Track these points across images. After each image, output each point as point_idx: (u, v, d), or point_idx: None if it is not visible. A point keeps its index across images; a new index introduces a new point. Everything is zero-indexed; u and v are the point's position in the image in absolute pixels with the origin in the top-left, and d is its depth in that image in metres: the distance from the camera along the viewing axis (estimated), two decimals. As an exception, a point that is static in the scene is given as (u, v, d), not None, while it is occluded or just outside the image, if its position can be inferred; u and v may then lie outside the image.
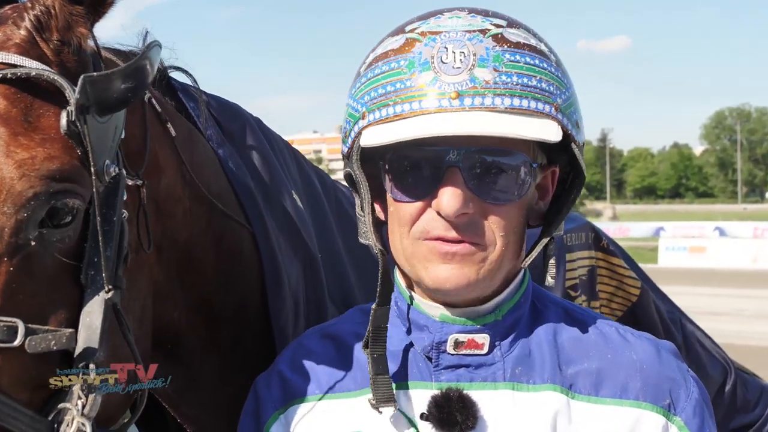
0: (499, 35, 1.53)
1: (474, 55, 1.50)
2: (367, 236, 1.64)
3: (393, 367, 1.60)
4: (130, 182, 1.57)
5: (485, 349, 1.58)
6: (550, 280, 1.66)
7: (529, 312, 1.65)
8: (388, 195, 1.61)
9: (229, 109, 2.21)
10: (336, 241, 2.37)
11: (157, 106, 1.85)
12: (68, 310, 1.42)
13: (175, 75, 2.02)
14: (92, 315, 1.41)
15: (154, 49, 1.53)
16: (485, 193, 1.52)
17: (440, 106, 1.48)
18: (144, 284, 1.65)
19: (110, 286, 1.42)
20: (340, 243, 2.37)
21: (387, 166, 1.58)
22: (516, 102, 1.49)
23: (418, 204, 1.54)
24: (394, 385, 1.57)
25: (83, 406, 1.39)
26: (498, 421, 1.54)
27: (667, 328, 3.01)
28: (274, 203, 2.13)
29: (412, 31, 1.57)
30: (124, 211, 1.51)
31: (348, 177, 1.66)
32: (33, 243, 1.37)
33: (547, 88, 1.53)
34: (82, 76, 1.37)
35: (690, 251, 32.87)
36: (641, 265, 3.23)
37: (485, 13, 1.58)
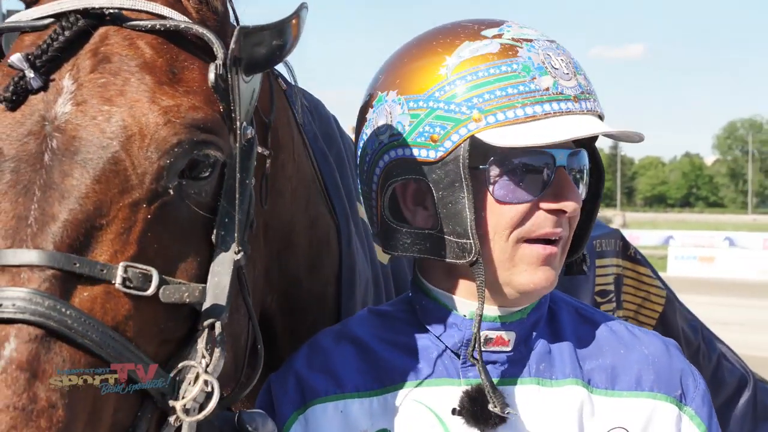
0: (562, 46, 1.64)
1: (570, 63, 1.60)
2: (423, 248, 1.60)
3: (418, 364, 1.61)
4: (259, 149, 1.56)
5: (511, 346, 1.61)
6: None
7: (546, 312, 1.68)
8: (489, 198, 1.56)
9: (315, 104, 2.22)
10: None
11: (282, 85, 1.86)
12: (198, 267, 1.39)
13: None
14: (220, 274, 1.39)
15: (303, 11, 1.50)
16: (580, 192, 1.62)
17: (568, 109, 1.55)
18: (258, 259, 1.64)
19: (240, 248, 1.40)
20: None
21: (493, 169, 1.56)
22: (598, 106, 1.62)
23: (526, 205, 1.56)
24: (420, 382, 1.60)
25: (207, 365, 1.36)
26: (527, 415, 1.57)
27: (687, 337, 2.99)
28: (353, 206, 2.13)
29: (498, 36, 1.59)
30: (253, 178, 1.51)
31: (403, 186, 1.62)
32: (171, 192, 1.35)
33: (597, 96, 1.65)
34: (238, 27, 1.37)
35: (699, 261, 32.79)
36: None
37: (530, 26, 1.66)
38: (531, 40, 1.58)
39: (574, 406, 1.59)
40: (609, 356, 1.65)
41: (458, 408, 1.55)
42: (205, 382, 1.34)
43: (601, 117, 1.62)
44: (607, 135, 1.59)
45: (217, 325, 1.37)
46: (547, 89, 1.54)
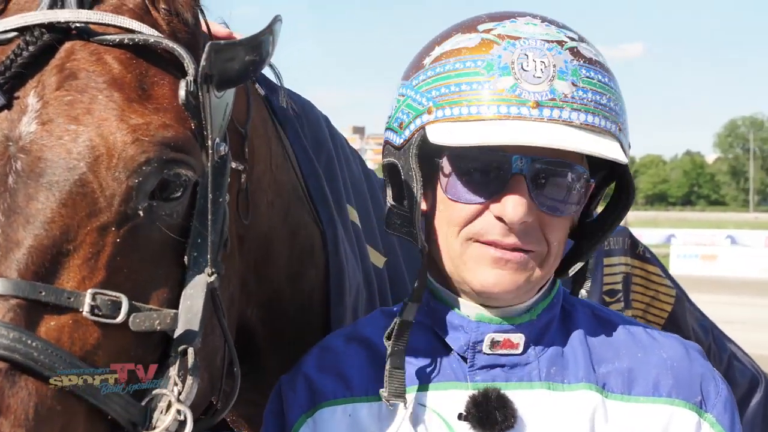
0: (575, 49, 1.54)
1: (554, 66, 1.50)
2: (400, 229, 1.63)
3: (425, 367, 1.60)
4: (233, 165, 1.53)
5: (520, 349, 1.58)
6: (583, 293, 1.69)
7: (559, 313, 1.65)
8: (441, 193, 1.57)
9: (303, 106, 2.19)
10: (396, 249, 2.35)
11: (260, 91, 1.84)
12: (169, 290, 1.37)
13: None
14: (193, 298, 1.37)
15: (277, 24, 1.47)
16: (545, 203, 1.53)
17: (519, 114, 1.47)
18: (233, 274, 1.61)
19: (213, 270, 1.37)
20: (398, 249, 2.35)
21: (445, 164, 1.55)
22: (590, 119, 1.50)
23: (476, 206, 1.53)
24: (428, 386, 1.57)
25: (179, 393, 1.33)
26: (536, 420, 1.54)
27: (698, 336, 2.97)
28: (342, 211, 2.11)
29: (487, 31, 1.54)
30: (227, 194, 1.48)
31: (389, 167, 1.64)
32: (141, 214, 1.32)
33: (614, 108, 1.54)
34: (209, 44, 1.34)
35: (701, 259, 32.73)
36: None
37: (557, 24, 1.58)
38: (518, 38, 1.51)
39: (587, 412, 1.55)
40: (626, 359, 1.60)
41: (464, 413, 1.53)
42: (178, 411, 1.31)
43: (588, 127, 1.49)
44: (568, 148, 1.48)
45: (190, 351, 1.34)
46: (502, 91, 1.48)
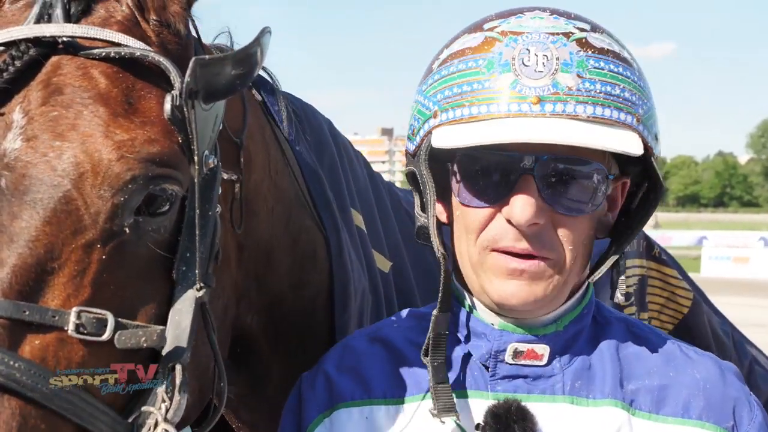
0: (584, 40, 1.47)
1: (557, 59, 1.44)
2: (428, 238, 1.59)
3: (447, 374, 1.54)
4: (225, 176, 1.52)
5: (544, 361, 1.53)
6: (619, 297, 1.61)
7: (591, 325, 1.59)
8: (455, 198, 1.55)
9: (305, 109, 2.17)
10: (402, 253, 2.33)
11: (257, 97, 1.82)
12: (157, 306, 1.35)
13: None
14: (182, 313, 1.35)
15: (265, 36, 1.46)
16: (558, 203, 1.46)
17: (519, 111, 1.42)
18: (228, 284, 1.60)
19: (201, 284, 1.36)
20: (405, 253, 2.33)
21: (456, 168, 1.52)
22: (599, 111, 1.43)
23: (488, 210, 1.49)
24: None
25: (167, 410, 1.32)
26: None
27: (718, 340, 2.92)
28: (347, 216, 2.09)
29: (491, 29, 1.50)
30: (218, 205, 1.46)
31: (411, 176, 1.62)
32: (127, 231, 1.30)
33: (629, 98, 1.47)
34: (193, 59, 1.31)
35: (734, 261, 32.39)
36: (684, 275, 3.15)
37: (568, 16, 1.52)
38: (520, 33, 1.47)
39: (610, 429, 1.49)
40: (657, 378, 1.54)
41: (482, 424, 1.49)
42: (165, 430, 1.30)
43: (597, 120, 1.44)
44: (563, 143, 1.41)
45: (178, 368, 1.33)
46: (502, 89, 1.44)
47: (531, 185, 1.44)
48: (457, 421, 1.51)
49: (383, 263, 2.22)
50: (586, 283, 1.60)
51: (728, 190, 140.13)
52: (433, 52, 1.63)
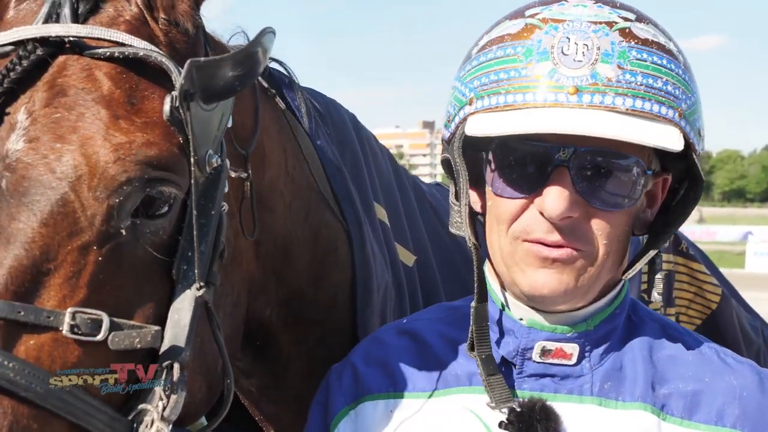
0: (627, 30, 1.43)
1: (598, 49, 1.40)
2: (460, 227, 1.58)
3: (474, 370, 1.54)
4: (233, 174, 1.52)
5: (573, 360, 1.50)
6: (656, 296, 1.58)
7: (624, 325, 1.56)
8: (488, 188, 1.53)
9: (327, 105, 2.17)
10: (427, 247, 2.32)
11: (270, 92, 1.82)
12: (157, 305, 1.36)
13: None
14: (181, 312, 1.35)
15: (267, 36, 1.45)
16: (593, 196, 1.43)
17: (556, 101, 1.39)
18: (238, 280, 1.60)
19: (202, 284, 1.36)
20: (429, 247, 2.32)
21: (490, 158, 1.50)
22: (638, 104, 1.40)
23: (520, 201, 1.46)
24: (474, 389, 1.52)
25: (164, 408, 1.32)
26: None
27: (747, 336, 2.88)
28: (370, 210, 2.09)
29: (532, 16, 1.47)
30: (224, 204, 1.46)
31: (446, 163, 1.60)
32: (124, 233, 1.31)
33: (672, 92, 1.42)
34: (188, 61, 1.30)
35: (779, 257, 31.83)
36: (728, 270, 3.11)
37: (613, 4, 1.48)
38: (561, 21, 1.43)
39: None
40: (691, 382, 1.49)
41: (506, 422, 1.46)
42: (159, 429, 1.31)
43: (636, 113, 1.40)
44: (602, 135, 1.38)
45: (176, 366, 1.33)
46: (539, 77, 1.41)
47: (566, 177, 1.42)
48: (479, 417, 1.49)
49: (407, 257, 2.22)
50: (621, 281, 1.56)
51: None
52: (471, 43, 1.60)
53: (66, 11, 1.37)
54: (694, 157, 1.47)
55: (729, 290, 2.94)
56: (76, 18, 1.37)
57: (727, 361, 1.54)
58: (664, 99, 1.41)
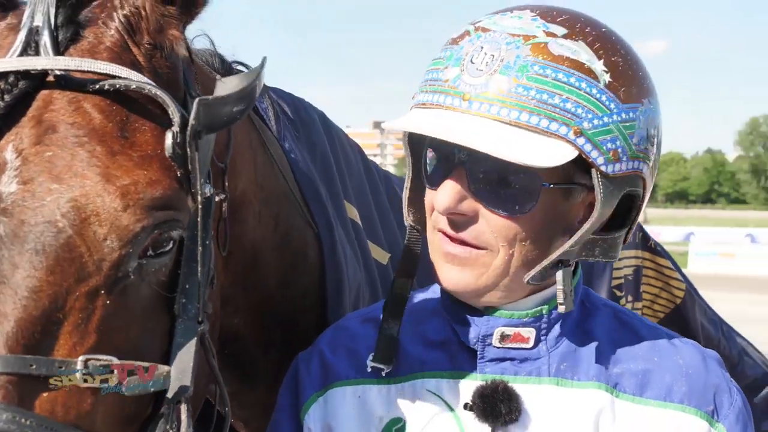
0: (542, 45, 1.45)
1: (501, 60, 1.45)
2: (407, 215, 1.67)
3: (438, 356, 1.61)
4: (217, 198, 1.49)
5: (531, 343, 1.57)
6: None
7: (579, 310, 1.62)
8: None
9: (296, 104, 2.14)
10: (400, 243, 2.32)
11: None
12: (160, 342, 1.33)
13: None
14: (184, 348, 1.34)
15: (263, 66, 1.46)
16: (485, 198, 1.48)
17: (452, 104, 1.48)
18: (214, 296, 1.57)
19: (202, 317, 1.35)
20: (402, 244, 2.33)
21: (428, 150, 1.59)
22: (524, 117, 1.42)
23: (434, 192, 1.55)
24: (439, 374, 1.59)
25: None
26: (541, 415, 1.54)
27: (708, 332, 2.97)
28: (341, 210, 2.08)
29: (474, 23, 1.56)
30: (211, 230, 1.44)
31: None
32: (132, 276, 1.27)
33: (570, 109, 1.42)
34: (197, 100, 1.29)
35: (720, 257, 32.51)
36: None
37: (552, 18, 1.50)
38: (486, 31, 1.50)
39: (594, 410, 1.54)
40: (641, 362, 1.58)
41: (470, 403, 1.54)
42: None
43: (522, 125, 1.42)
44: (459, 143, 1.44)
45: (183, 407, 1.33)
46: (447, 81, 1.49)
47: (462, 176, 1.49)
48: (444, 400, 1.57)
49: (381, 255, 2.22)
50: (573, 268, 1.58)
51: (716, 187, 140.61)
52: (425, 46, 1.67)
53: (46, 40, 1.29)
54: (595, 176, 1.45)
55: (691, 287, 3.03)
56: (58, 48, 1.30)
57: (674, 342, 1.64)
58: (557, 115, 1.42)
